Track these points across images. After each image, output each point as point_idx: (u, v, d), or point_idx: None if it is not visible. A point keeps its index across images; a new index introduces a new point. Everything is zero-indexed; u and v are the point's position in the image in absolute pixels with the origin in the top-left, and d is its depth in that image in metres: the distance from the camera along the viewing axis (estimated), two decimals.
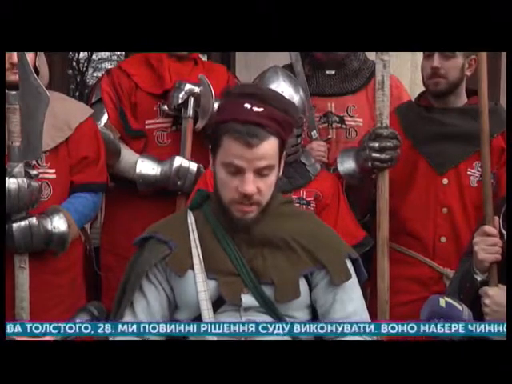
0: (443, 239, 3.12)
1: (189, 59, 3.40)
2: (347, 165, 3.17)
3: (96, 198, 3.05)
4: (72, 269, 2.99)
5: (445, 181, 3.11)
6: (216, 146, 2.24)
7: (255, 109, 2.19)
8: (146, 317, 2.28)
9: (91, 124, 3.05)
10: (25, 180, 2.70)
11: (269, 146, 2.19)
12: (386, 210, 3.01)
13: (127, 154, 3.30)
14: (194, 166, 3.25)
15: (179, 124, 3.33)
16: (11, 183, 2.68)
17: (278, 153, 2.23)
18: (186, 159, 3.27)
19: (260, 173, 2.20)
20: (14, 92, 2.71)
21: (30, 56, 2.76)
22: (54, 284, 2.89)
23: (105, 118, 3.30)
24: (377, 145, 2.98)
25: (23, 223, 2.73)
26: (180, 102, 3.27)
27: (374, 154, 2.98)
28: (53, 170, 2.91)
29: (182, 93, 3.28)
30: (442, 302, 2.23)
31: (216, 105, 3.21)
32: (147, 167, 3.28)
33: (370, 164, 3.01)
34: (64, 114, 2.94)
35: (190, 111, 3.29)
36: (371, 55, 3.44)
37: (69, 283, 2.97)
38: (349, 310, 2.27)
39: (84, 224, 3.07)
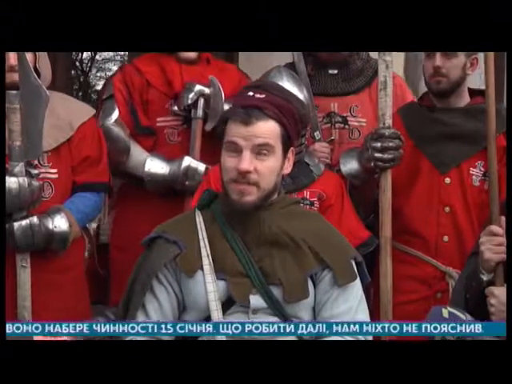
0: (446, 238, 3.12)
1: (200, 60, 3.41)
2: (350, 165, 3.18)
3: (98, 197, 3.06)
4: (74, 268, 3.00)
5: (447, 180, 3.12)
6: (222, 134, 2.29)
7: (257, 95, 2.28)
8: (158, 318, 2.28)
9: (93, 124, 3.06)
10: (25, 179, 2.72)
11: (266, 127, 2.24)
12: (388, 210, 3.02)
13: (137, 152, 3.31)
14: (202, 167, 3.26)
15: (190, 122, 3.34)
16: (12, 182, 2.70)
17: (279, 138, 2.27)
18: (195, 160, 3.28)
19: (258, 152, 2.23)
20: (14, 92, 2.73)
21: (29, 57, 2.77)
22: (55, 283, 2.90)
23: (116, 114, 3.31)
24: (379, 145, 2.99)
25: (24, 222, 2.75)
26: (190, 102, 3.29)
27: (377, 154, 2.99)
28: (55, 170, 2.92)
29: (192, 94, 3.29)
30: (445, 312, 2.23)
31: (226, 106, 3.24)
32: (156, 166, 3.29)
33: (372, 164, 3.02)
34: (66, 114, 2.95)
35: (200, 112, 3.31)
36: (374, 54, 3.44)
37: (71, 282, 2.98)
38: (339, 310, 2.28)
39: (86, 223, 3.08)
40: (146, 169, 3.28)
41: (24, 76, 2.73)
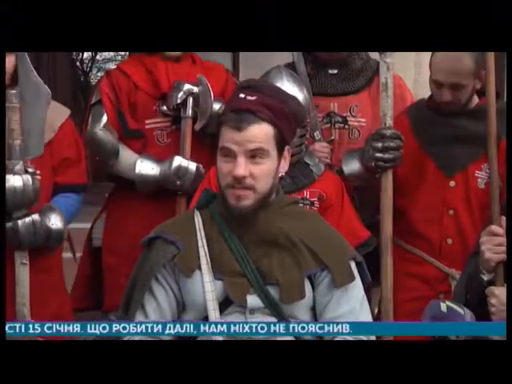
0: (449, 241, 3.12)
1: (185, 57, 3.41)
2: (352, 165, 3.20)
3: (80, 197, 3.10)
4: (56, 268, 3.04)
5: (452, 183, 3.12)
6: (217, 138, 2.29)
7: (248, 97, 2.26)
8: (157, 318, 2.29)
9: (71, 124, 3.08)
10: (29, 177, 2.73)
11: (259, 131, 2.23)
12: (389, 210, 3.02)
13: (126, 155, 3.31)
14: (193, 166, 3.26)
15: (179, 123, 3.34)
16: (16, 180, 2.71)
17: (273, 141, 2.26)
18: (186, 159, 3.28)
19: (252, 156, 2.23)
20: (13, 91, 2.74)
21: (10, 59, 2.78)
22: (44, 281, 2.91)
23: (104, 119, 3.32)
24: (380, 145, 3.00)
25: (27, 219, 2.77)
26: (179, 102, 3.29)
27: (377, 154, 3.01)
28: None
29: (181, 93, 3.29)
30: (443, 306, 2.23)
31: (215, 104, 3.26)
32: (146, 167, 3.29)
33: (373, 164, 3.03)
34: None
35: (189, 111, 3.30)
36: (374, 54, 3.45)
37: (59, 280, 3.05)
38: (342, 311, 2.28)
39: (70, 222, 3.10)
40: (137, 171, 3.28)
41: (24, 74, 2.75)
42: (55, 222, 2.86)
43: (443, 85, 3.02)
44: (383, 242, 3.03)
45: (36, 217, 2.79)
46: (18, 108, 2.73)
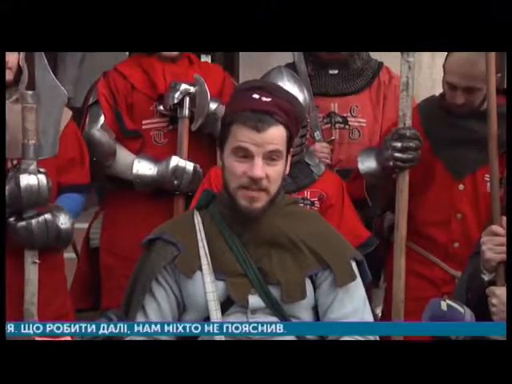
0: (456, 245, 3.12)
1: (182, 58, 3.42)
2: (368, 163, 3.19)
3: (83, 198, 3.12)
4: (60, 266, 3.05)
5: (461, 187, 3.11)
6: (225, 136, 2.27)
7: (263, 99, 2.25)
8: (157, 319, 2.29)
9: (73, 125, 3.10)
10: (43, 177, 2.75)
11: (277, 132, 2.24)
12: (404, 210, 3.02)
13: (124, 155, 3.33)
14: (190, 166, 3.28)
15: (176, 123, 3.36)
16: (30, 180, 2.74)
17: (285, 143, 2.26)
18: (183, 159, 3.29)
19: (269, 158, 2.23)
20: (30, 92, 2.77)
21: (14, 55, 2.80)
22: (49, 281, 2.91)
23: (101, 120, 3.34)
24: (399, 145, 3.00)
25: (40, 219, 2.79)
26: (175, 102, 3.31)
27: (396, 154, 3.00)
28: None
29: (178, 93, 3.30)
30: (444, 305, 2.23)
31: (212, 104, 3.27)
32: (144, 167, 3.31)
33: (391, 164, 3.02)
34: None
35: (186, 111, 3.32)
36: (374, 55, 3.45)
37: (62, 280, 3.07)
38: (346, 311, 2.28)
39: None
40: (134, 171, 3.30)
41: (41, 75, 2.78)
42: (64, 221, 2.88)
43: (457, 87, 3.01)
44: (397, 243, 3.03)
45: (48, 216, 2.81)
46: (34, 108, 2.75)
